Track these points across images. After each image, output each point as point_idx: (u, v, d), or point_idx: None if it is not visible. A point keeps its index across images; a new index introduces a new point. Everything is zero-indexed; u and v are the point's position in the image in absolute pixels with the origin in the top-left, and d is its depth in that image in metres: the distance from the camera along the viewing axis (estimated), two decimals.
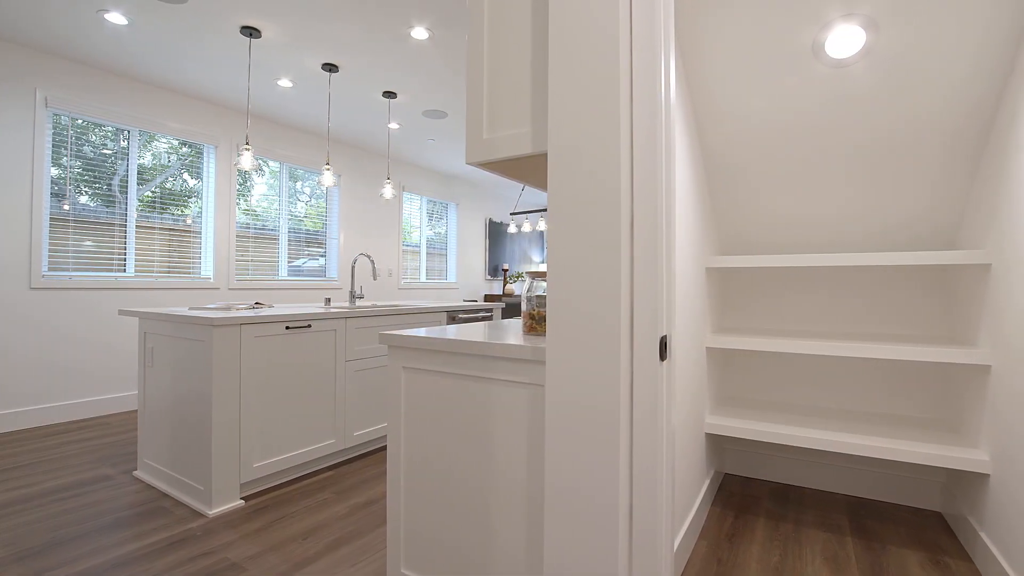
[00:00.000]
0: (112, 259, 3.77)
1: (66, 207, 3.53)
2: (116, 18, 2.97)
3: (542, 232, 8.91)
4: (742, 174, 2.20)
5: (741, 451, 2.55)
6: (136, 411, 3.75)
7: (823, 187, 2.12)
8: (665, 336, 1.02)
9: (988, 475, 1.70)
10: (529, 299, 1.41)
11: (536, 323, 1.40)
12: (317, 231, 5.35)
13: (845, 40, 1.67)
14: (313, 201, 5.33)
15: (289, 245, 5.06)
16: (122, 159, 3.83)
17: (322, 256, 5.40)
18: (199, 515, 2.05)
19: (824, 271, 2.40)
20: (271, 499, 2.21)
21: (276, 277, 4.93)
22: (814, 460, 2.39)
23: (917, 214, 2.07)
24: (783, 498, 2.28)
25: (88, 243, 3.64)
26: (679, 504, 1.72)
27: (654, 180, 1.01)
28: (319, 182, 3.68)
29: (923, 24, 1.58)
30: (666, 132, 1.06)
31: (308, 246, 5.25)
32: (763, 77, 1.85)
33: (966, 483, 1.90)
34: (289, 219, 5.06)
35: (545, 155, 1.21)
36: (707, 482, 2.17)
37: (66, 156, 3.54)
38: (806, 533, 1.95)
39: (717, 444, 2.45)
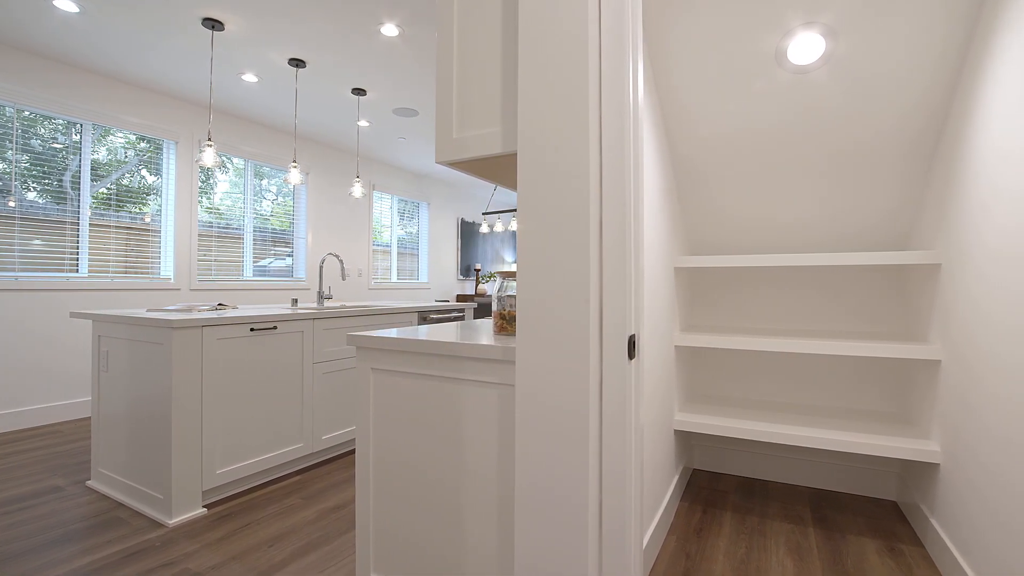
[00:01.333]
0: (63, 259, 3.59)
1: (12, 204, 3.34)
2: (66, 4, 2.82)
3: (514, 232, 8.92)
4: (709, 176, 2.25)
5: (709, 447, 2.61)
6: (89, 418, 3.58)
7: (787, 190, 2.18)
8: (633, 335, 1.03)
9: (938, 465, 1.78)
10: (500, 299, 1.41)
11: (507, 323, 1.40)
12: (284, 230, 5.22)
13: (806, 47, 1.73)
14: (280, 199, 5.19)
15: (255, 245, 4.92)
16: (74, 154, 3.65)
17: (289, 256, 5.28)
18: (158, 525, 1.98)
19: (788, 271, 2.47)
20: (236, 506, 2.15)
21: (241, 278, 4.79)
22: (779, 454, 2.46)
23: (875, 216, 2.15)
24: (749, 492, 2.34)
25: (37, 242, 3.46)
26: (649, 500, 1.75)
27: (622, 181, 1.02)
28: (286, 180, 3.59)
29: (880, 34, 1.64)
30: (634, 133, 1.08)
31: (275, 245, 5.12)
32: (728, 82, 1.89)
33: (918, 473, 1.99)
34: (254, 218, 4.92)
35: (515, 155, 1.21)
36: (676, 478, 2.21)
37: (11, 150, 3.35)
38: (771, 525, 2.01)
39: (686, 440, 2.50)
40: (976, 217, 1.54)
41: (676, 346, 2.25)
